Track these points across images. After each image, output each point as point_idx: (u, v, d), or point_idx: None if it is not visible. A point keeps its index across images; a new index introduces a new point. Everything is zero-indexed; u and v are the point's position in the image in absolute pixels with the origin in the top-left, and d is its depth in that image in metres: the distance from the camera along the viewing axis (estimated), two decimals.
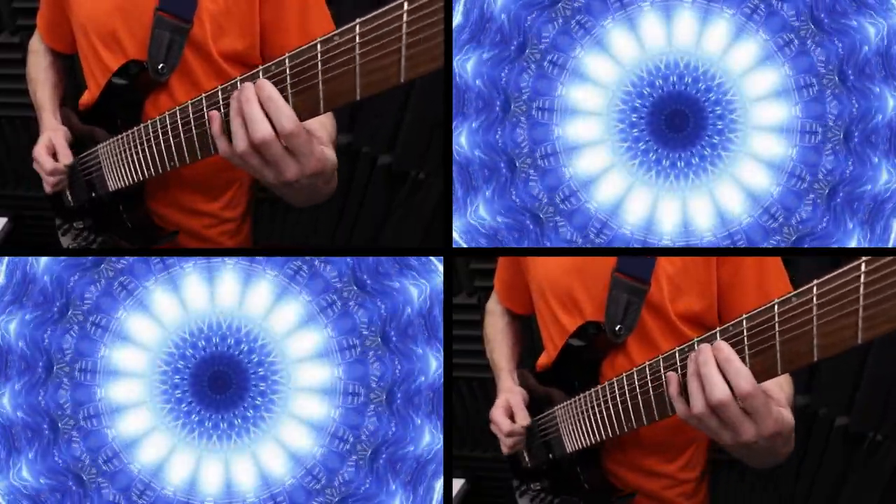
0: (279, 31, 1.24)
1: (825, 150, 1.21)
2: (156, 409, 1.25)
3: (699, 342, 0.94)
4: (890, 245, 1.22)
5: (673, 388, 0.98)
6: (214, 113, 1.01)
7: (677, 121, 1.22)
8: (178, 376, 1.25)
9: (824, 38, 1.20)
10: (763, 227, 1.22)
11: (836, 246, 1.22)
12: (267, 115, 0.96)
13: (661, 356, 1.00)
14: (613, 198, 1.24)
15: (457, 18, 1.24)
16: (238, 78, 0.99)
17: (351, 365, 1.25)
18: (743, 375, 0.89)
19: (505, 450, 1.30)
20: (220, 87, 1.02)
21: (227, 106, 1.00)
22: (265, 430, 1.24)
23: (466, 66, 1.25)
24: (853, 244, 1.22)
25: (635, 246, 1.24)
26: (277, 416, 1.24)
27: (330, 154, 1.04)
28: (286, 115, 0.95)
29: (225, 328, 1.25)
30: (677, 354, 0.98)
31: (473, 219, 1.26)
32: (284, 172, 0.99)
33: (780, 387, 1.11)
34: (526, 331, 1.47)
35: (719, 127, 1.21)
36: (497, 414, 1.30)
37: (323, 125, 1.22)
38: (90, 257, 1.25)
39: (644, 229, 1.23)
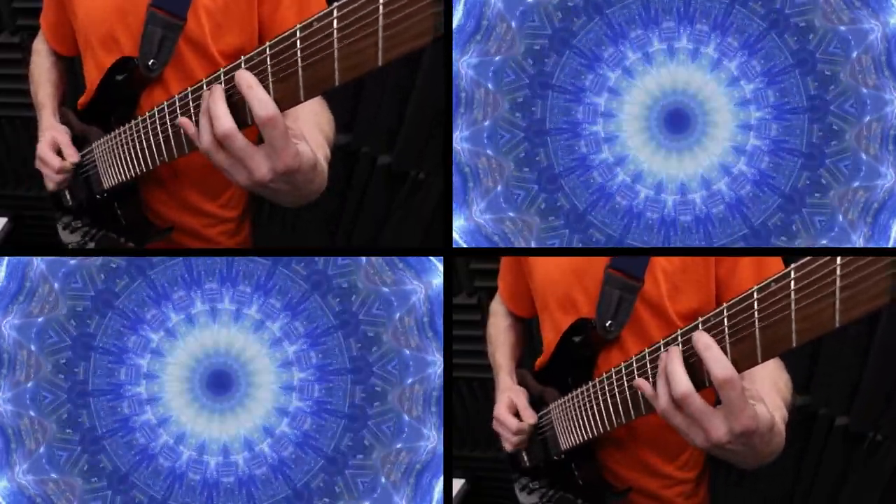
0: (277, 27, 1.24)
1: (825, 150, 1.21)
2: (156, 409, 1.25)
3: (682, 333, 0.95)
4: (890, 245, 1.22)
5: (647, 390, 0.99)
6: (184, 120, 1.03)
7: (677, 121, 1.22)
8: (182, 375, 1.25)
9: (824, 37, 1.20)
10: (762, 225, 1.22)
11: (835, 246, 1.22)
12: (244, 105, 0.96)
13: (646, 349, 1.01)
14: (612, 198, 1.24)
15: (457, 18, 1.24)
16: (221, 70, 1.00)
17: (351, 364, 1.25)
18: (720, 362, 0.89)
19: (508, 447, 1.30)
20: (205, 80, 1.02)
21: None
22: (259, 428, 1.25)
23: (467, 66, 1.25)
24: (853, 244, 1.22)
25: (631, 241, 1.24)
26: (276, 415, 1.24)
27: (305, 150, 1.01)
28: (263, 102, 0.94)
29: (225, 328, 1.25)
30: (662, 346, 0.98)
31: (473, 219, 1.26)
32: (255, 171, 0.97)
33: (776, 388, 1.11)
34: (527, 333, 1.47)
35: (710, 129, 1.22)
36: (503, 412, 1.30)
37: (319, 125, 1.22)
38: (90, 257, 1.26)
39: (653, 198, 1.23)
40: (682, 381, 0.91)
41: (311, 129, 1.20)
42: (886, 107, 1.20)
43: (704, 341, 0.90)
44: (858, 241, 1.22)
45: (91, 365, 1.25)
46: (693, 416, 0.92)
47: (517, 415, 1.29)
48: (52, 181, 1.31)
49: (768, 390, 1.09)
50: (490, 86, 1.25)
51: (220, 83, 1.00)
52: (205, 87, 1.02)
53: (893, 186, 1.21)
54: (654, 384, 0.97)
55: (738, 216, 1.22)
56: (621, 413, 1.08)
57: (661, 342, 0.99)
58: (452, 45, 1.24)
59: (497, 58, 1.24)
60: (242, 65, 0.98)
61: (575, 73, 1.24)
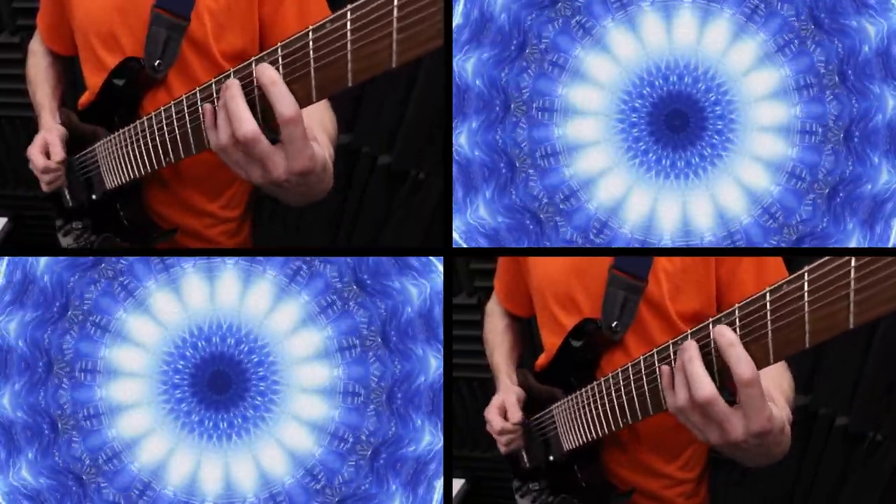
0: (278, 27, 1.24)
1: (825, 151, 1.21)
2: (156, 409, 1.25)
3: (693, 334, 0.94)
4: (890, 245, 1.22)
5: (665, 380, 0.97)
6: (208, 106, 1.00)
7: (677, 121, 1.22)
8: (178, 376, 1.25)
9: (824, 37, 1.20)
10: (763, 227, 1.22)
11: (835, 246, 1.22)
12: (266, 102, 0.94)
13: (654, 349, 1.00)
14: (613, 198, 1.24)
15: (457, 18, 1.24)
16: (231, 70, 0.98)
17: (351, 365, 1.25)
18: (744, 361, 0.87)
19: (501, 448, 1.30)
20: (213, 80, 1.01)
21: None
22: (265, 430, 1.24)
23: (466, 66, 1.25)
24: (853, 244, 1.22)
25: (635, 246, 1.24)
26: (277, 416, 1.24)
27: (319, 152, 1.00)
28: (287, 101, 0.93)
29: (225, 328, 1.25)
30: (671, 347, 0.98)
31: (473, 219, 1.26)
32: (272, 171, 0.96)
33: (780, 389, 1.10)
34: (526, 333, 1.47)
35: (719, 127, 1.21)
36: (490, 413, 1.30)
37: (323, 124, 1.21)
38: (90, 257, 1.26)
39: (644, 229, 1.23)
40: (706, 385, 0.90)
41: (316, 130, 1.20)
42: (886, 107, 1.20)
43: (728, 338, 0.88)
44: (860, 242, 1.22)
45: (91, 365, 1.25)
46: (714, 418, 0.91)
47: (506, 416, 1.29)
48: (41, 182, 1.31)
49: (773, 391, 1.08)
50: (490, 85, 1.25)
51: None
52: (213, 87, 1.01)
53: (893, 186, 1.21)
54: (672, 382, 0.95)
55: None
56: (627, 414, 1.07)
57: (670, 342, 0.98)
58: (452, 45, 1.24)
59: (497, 58, 1.24)
60: (253, 65, 0.96)
61: (579, 65, 1.24)
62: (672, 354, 0.98)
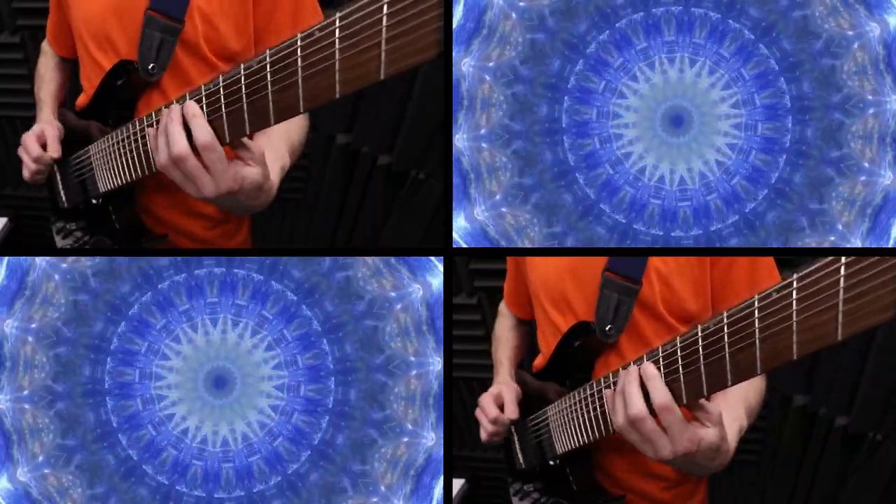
0: (272, 31, 1.24)
1: (825, 150, 1.21)
2: (156, 409, 1.25)
3: (663, 347, 0.98)
4: (890, 245, 1.22)
5: (609, 402, 1.05)
6: (151, 130, 1.08)
7: (677, 121, 1.22)
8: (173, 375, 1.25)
9: (824, 36, 1.20)
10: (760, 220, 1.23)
11: (834, 246, 1.22)
12: (216, 124, 1.02)
13: (644, 353, 1.01)
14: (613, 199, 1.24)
15: (456, 18, 1.24)
16: (202, 85, 1.02)
17: (351, 364, 1.25)
18: (661, 392, 0.96)
19: (484, 436, 1.30)
20: (202, 86, 1.02)
21: (209, 105, 1.02)
22: (263, 435, 1.25)
23: (466, 65, 1.25)
24: (853, 244, 1.22)
25: (632, 242, 1.24)
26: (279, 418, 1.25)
27: (249, 173, 1.07)
28: (204, 130, 1.01)
29: (224, 326, 1.25)
30: (660, 353, 0.98)
31: (473, 219, 1.26)
32: (202, 188, 1.05)
33: (743, 398, 1.13)
34: (531, 336, 1.47)
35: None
36: (486, 400, 1.30)
37: (288, 134, 1.25)
38: (90, 259, 1.26)
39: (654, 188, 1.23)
40: (635, 404, 0.98)
41: (277, 138, 1.21)
42: (885, 107, 1.20)
43: (649, 372, 0.98)
44: (857, 242, 1.22)
45: (91, 364, 1.25)
46: (645, 436, 0.99)
47: (502, 408, 1.29)
48: (27, 169, 1.31)
49: (734, 400, 1.12)
50: (490, 85, 1.25)
51: (200, 98, 1.02)
52: (202, 91, 1.02)
53: (892, 186, 1.21)
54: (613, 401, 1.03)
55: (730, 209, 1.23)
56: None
57: (644, 354, 1.00)
58: (453, 45, 1.24)
59: (497, 57, 1.24)
60: (242, 71, 0.97)
61: (580, 76, 1.24)
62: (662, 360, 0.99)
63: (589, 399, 1.12)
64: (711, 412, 0.99)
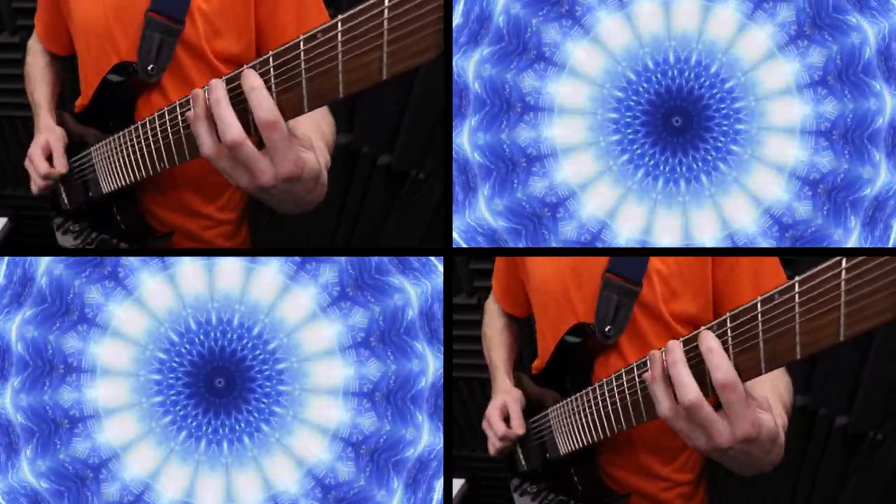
0: (275, 31, 1.24)
1: (825, 151, 1.21)
2: (152, 412, 1.25)
3: (685, 341, 0.94)
4: (890, 245, 1.21)
5: (651, 385, 0.96)
6: (191, 113, 0.99)
7: (677, 121, 1.22)
8: (172, 375, 1.25)
9: (824, 37, 1.19)
10: (766, 233, 1.22)
11: (835, 246, 1.22)
12: (247, 107, 0.93)
13: (648, 357, 1.00)
14: (610, 203, 1.24)
15: (456, 18, 1.24)
16: (225, 77, 0.98)
17: (351, 365, 1.25)
18: (724, 368, 0.87)
19: (492, 450, 1.30)
20: (205, 88, 1.01)
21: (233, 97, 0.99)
22: (268, 435, 1.24)
23: (466, 66, 1.25)
24: (853, 244, 1.22)
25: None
26: (281, 418, 1.24)
27: (309, 157, 0.97)
28: (266, 106, 0.92)
29: (225, 323, 1.25)
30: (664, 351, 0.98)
31: (473, 219, 1.26)
32: (259, 176, 0.95)
33: (778, 395, 1.10)
34: (524, 333, 1.47)
35: (724, 128, 1.21)
36: (494, 415, 1.30)
37: (320, 130, 1.21)
38: (89, 257, 1.26)
39: (641, 242, 1.22)
40: (691, 389, 0.89)
41: (313, 137, 1.20)
42: (885, 107, 1.20)
43: (708, 344, 0.88)
44: (858, 242, 1.22)
45: (91, 366, 1.25)
46: (698, 422, 0.90)
47: (508, 420, 1.29)
48: (35, 185, 1.31)
49: (770, 396, 1.07)
50: (490, 85, 1.25)
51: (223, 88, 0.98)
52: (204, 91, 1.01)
53: (892, 186, 1.21)
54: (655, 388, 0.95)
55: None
56: (622, 419, 1.07)
57: (661, 349, 0.97)
58: (452, 45, 1.24)
59: (497, 58, 1.24)
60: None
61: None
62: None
63: (593, 399, 1.12)
64: (760, 399, 0.92)
